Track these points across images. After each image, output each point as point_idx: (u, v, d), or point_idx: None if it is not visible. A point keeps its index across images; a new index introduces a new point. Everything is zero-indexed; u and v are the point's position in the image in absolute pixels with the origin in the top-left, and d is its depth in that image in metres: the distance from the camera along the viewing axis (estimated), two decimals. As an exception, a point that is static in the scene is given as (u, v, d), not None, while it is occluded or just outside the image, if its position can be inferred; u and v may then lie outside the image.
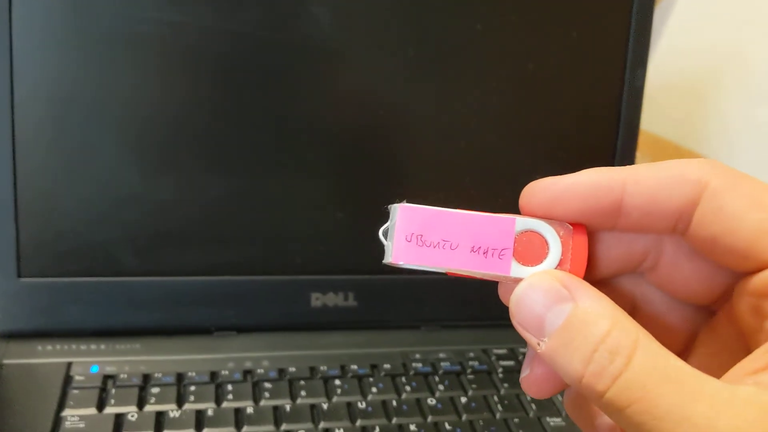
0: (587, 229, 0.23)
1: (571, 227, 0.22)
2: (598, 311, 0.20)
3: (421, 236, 0.22)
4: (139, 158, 0.44)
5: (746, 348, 0.21)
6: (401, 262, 0.22)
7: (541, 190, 0.22)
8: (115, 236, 0.45)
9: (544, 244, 0.22)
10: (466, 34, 0.46)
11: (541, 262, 0.22)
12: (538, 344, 0.20)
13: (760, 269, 0.21)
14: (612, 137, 0.49)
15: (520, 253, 0.22)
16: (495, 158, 0.49)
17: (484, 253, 0.22)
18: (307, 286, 0.48)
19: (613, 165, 0.49)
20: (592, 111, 0.49)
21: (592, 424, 0.25)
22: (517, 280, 0.22)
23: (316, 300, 0.48)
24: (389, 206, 0.23)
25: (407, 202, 0.22)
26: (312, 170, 0.47)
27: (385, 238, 0.23)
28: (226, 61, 0.44)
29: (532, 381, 0.23)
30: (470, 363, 0.46)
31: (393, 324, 0.49)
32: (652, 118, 0.79)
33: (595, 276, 0.24)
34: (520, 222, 0.22)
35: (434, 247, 0.22)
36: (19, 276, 0.44)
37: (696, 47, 0.86)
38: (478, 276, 0.22)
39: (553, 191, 0.22)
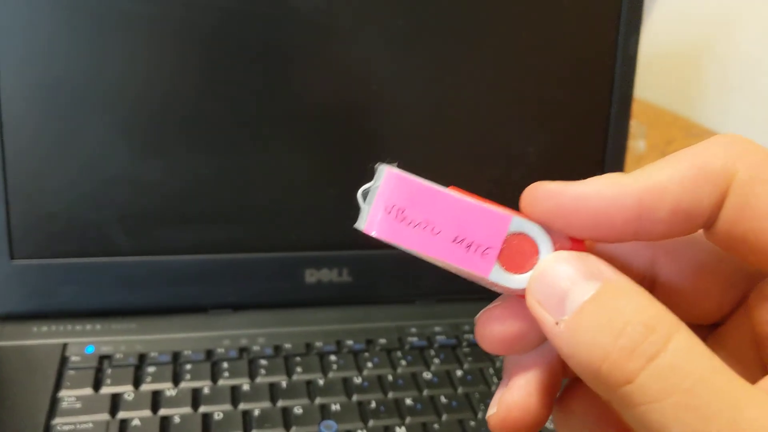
0: (587, 247, 0.20)
1: (570, 244, 0.20)
2: (633, 288, 0.17)
3: (403, 211, 0.19)
4: (128, 137, 0.44)
5: (762, 362, 0.19)
6: (374, 233, 0.19)
7: (544, 197, 0.19)
8: (108, 216, 0.44)
9: (535, 252, 0.19)
10: (457, 2, 0.46)
11: (526, 271, 0.19)
12: (557, 323, 0.18)
13: None
14: (605, 106, 0.49)
15: (506, 256, 0.19)
16: (487, 128, 0.48)
17: (467, 247, 0.19)
18: (302, 262, 0.47)
19: (606, 134, 0.49)
20: (585, 79, 0.49)
21: None
22: (494, 285, 0.20)
23: (311, 276, 0.48)
24: (377, 165, 0.20)
25: (398, 167, 0.19)
26: (304, 146, 0.46)
27: (364, 200, 0.20)
28: (214, 38, 0.43)
29: (499, 421, 0.20)
30: (465, 336, 0.47)
31: (388, 299, 0.49)
32: (649, 87, 0.79)
33: None
34: (516, 222, 0.19)
35: (414, 226, 0.19)
36: (12, 258, 0.44)
37: (691, 14, 0.85)
38: (452, 269, 0.20)
39: (557, 202, 0.19)
